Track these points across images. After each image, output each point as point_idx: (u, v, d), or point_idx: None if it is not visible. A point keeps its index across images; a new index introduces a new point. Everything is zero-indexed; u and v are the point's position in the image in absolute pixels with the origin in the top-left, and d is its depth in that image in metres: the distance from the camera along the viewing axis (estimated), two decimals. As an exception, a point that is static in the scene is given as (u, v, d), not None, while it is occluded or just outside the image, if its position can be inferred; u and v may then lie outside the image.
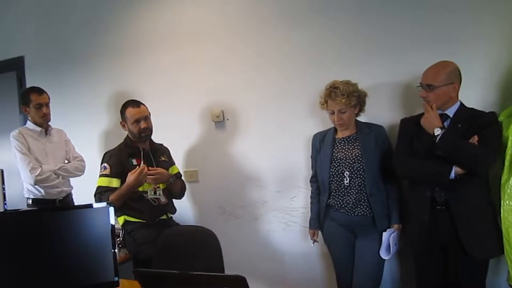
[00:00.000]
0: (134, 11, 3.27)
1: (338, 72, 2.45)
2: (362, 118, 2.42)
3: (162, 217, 2.59)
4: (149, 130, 2.59)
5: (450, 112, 2.05)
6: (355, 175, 2.26)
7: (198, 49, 3.03)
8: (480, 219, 1.98)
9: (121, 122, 2.63)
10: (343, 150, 2.33)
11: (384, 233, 2.24)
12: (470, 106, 2.08)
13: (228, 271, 2.19)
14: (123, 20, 3.33)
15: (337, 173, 2.30)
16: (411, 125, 2.16)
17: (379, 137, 2.30)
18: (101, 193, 2.45)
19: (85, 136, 3.45)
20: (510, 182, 1.92)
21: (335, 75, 2.35)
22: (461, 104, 2.07)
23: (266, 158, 2.87)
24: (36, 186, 2.87)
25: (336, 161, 2.32)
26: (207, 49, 3.00)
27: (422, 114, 2.08)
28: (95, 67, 3.48)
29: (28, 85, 3.74)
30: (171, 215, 2.68)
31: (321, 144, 2.41)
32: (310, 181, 2.53)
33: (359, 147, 2.29)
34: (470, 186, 1.97)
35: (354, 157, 2.28)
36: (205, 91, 3.03)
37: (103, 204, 1.66)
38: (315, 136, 2.48)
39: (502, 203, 1.94)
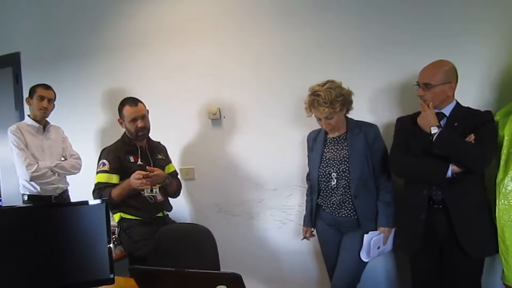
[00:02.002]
0: (131, 9, 3.26)
1: (334, 72, 2.44)
2: (357, 116, 2.41)
3: (158, 215, 2.59)
4: (146, 129, 2.58)
5: (447, 111, 2.06)
6: (341, 176, 2.22)
7: (195, 47, 3.03)
8: (477, 218, 1.99)
9: (118, 119, 2.62)
10: (332, 151, 2.29)
11: (365, 235, 2.15)
12: (467, 105, 2.09)
13: (224, 269, 2.19)
14: (120, 17, 3.32)
15: (325, 173, 2.27)
16: (407, 124, 2.17)
17: (369, 137, 2.22)
18: (100, 189, 2.44)
19: (81, 132, 3.44)
20: (505, 181, 1.93)
21: (331, 75, 2.34)
22: (457, 103, 2.07)
23: (262, 156, 2.87)
24: (32, 183, 2.88)
25: (325, 162, 2.29)
26: (205, 48, 3.00)
27: (419, 113, 2.08)
28: (91, 64, 3.47)
29: (24, 81, 3.79)
30: (167, 213, 2.68)
31: (314, 143, 2.39)
32: (306, 178, 2.53)
33: (347, 148, 2.24)
34: (467, 185, 1.97)
35: (341, 158, 2.24)
36: (202, 88, 3.03)
37: (99, 201, 1.66)
38: (310, 134, 2.47)
39: (497, 202, 1.94)
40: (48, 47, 3.66)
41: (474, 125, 1.97)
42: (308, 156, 2.49)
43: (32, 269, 1.55)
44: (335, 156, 2.27)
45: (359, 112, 2.42)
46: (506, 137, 1.95)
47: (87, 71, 3.49)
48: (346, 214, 2.23)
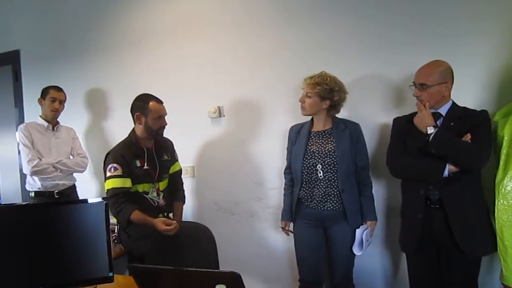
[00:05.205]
0: (131, 7, 3.26)
1: (333, 71, 2.43)
2: (355, 115, 2.40)
3: (158, 215, 2.57)
4: (164, 128, 2.55)
5: (443, 110, 2.06)
6: (326, 169, 2.28)
7: (195, 46, 3.03)
8: (473, 218, 1.99)
9: (137, 114, 2.46)
10: (317, 144, 2.34)
11: (357, 230, 2.26)
12: (467, 105, 2.09)
13: (223, 268, 2.19)
14: (121, 16, 3.32)
15: (309, 165, 2.31)
16: (404, 124, 2.17)
17: (354, 134, 2.31)
18: (118, 195, 2.32)
19: (79, 131, 3.43)
20: (505, 181, 1.93)
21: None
22: (453, 103, 2.08)
23: (262, 155, 2.87)
24: (35, 179, 2.99)
25: (309, 154, 2.33)
26: (205, 47, 3.00)
27: (415, 113, 2.09)
28: (91, 62, 3.47)
29: (23, 79, 3.80)
30: (167, 213, 2.66)
31: (297, 136, 2.42)
32: (284, 172, 2.54)
33: (333, 142, 2.30)
34: (464, 185, 1.98)
35: (327, 151, 2.29)
36: (202, 87, 3.03)
37: (99, 199, 1.66)
38: (292, 128, 2.49)
39: (496, 202, 1.94)
40: (48, 45, 3.66)
41: (470, 124, 1.97)
42: (287, 150, 2.50)
43: (31, 267, 1.56)
44: (321, 150, 2.31)
45: (357, 111, 2.42)
46: (506, 137, 1.95)
47: (87, 69, 3.49)
48: (331, 207, 2.28)
